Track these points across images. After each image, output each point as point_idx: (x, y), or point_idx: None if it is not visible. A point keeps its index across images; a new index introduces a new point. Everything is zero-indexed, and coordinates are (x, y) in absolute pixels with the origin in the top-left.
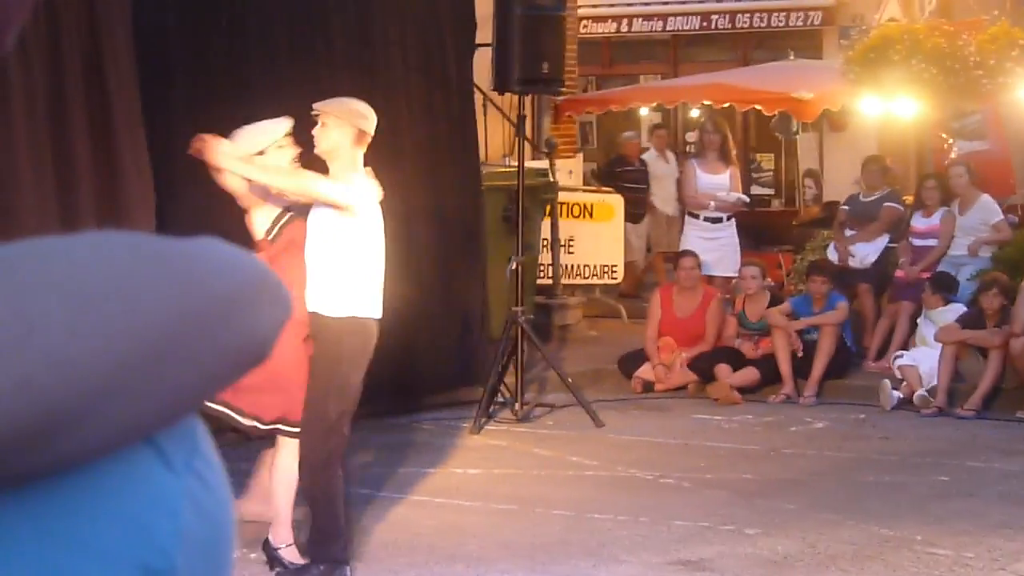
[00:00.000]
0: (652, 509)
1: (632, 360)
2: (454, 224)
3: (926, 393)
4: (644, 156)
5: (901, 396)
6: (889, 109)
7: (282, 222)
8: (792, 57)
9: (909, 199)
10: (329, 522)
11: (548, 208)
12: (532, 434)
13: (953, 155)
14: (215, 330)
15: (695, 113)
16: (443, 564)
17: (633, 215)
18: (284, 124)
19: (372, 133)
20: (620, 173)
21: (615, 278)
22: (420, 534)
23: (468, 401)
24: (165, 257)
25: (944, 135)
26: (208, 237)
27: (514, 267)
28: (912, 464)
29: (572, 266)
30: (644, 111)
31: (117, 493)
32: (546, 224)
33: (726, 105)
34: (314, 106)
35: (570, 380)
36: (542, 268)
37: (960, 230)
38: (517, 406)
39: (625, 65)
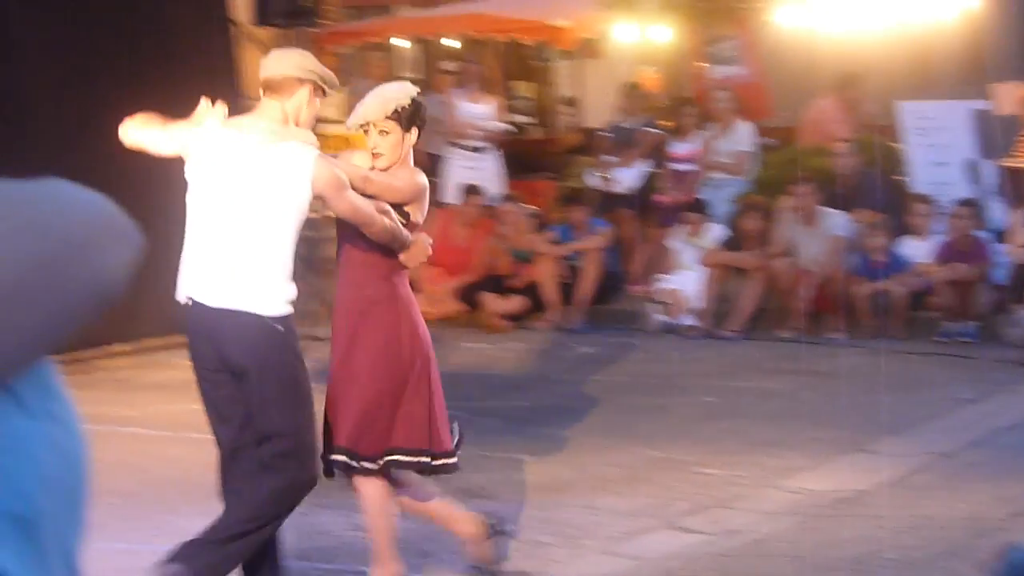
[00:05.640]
0: None
1: None
2: None
3: (690, 316)
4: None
5: (666, 319)
6: (645, 35)
7: None
8: None
9: (668, 124)
10: None
11: None
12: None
13: (710, 79)
14: (63, 271)
15: (453, 43)
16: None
17: None
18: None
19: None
20: None
21: None
22: (196, 472)
23: None
24: (5, 201)
25: (698, 61)
26: (53, 178)
27: None
28: (679, 386)
29: None
30: (401, 42)
31: None
32: None
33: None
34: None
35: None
36: None
37: (719, 154)
38: None
39: None
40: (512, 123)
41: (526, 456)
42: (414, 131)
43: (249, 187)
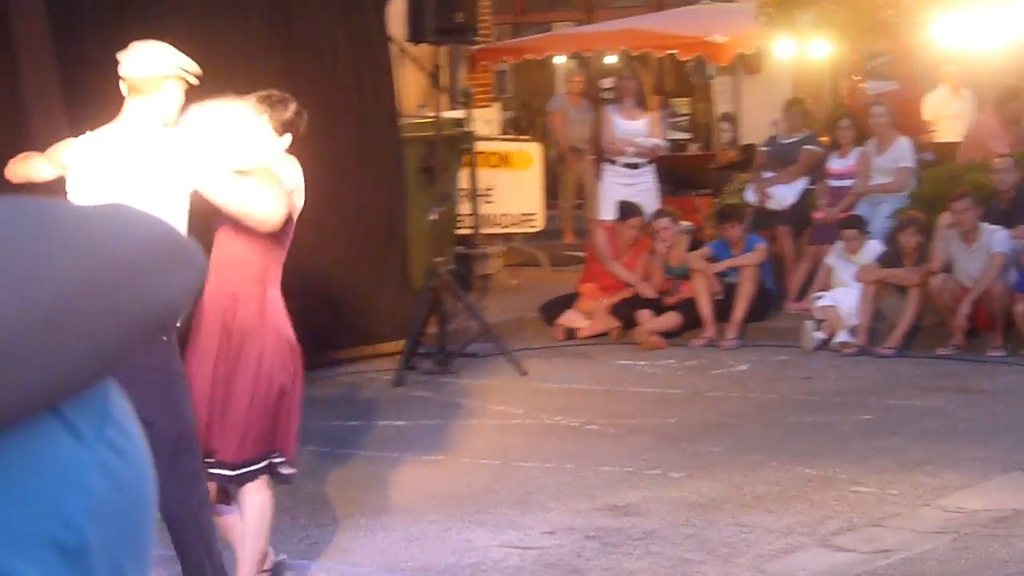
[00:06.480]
0: (578, 456)
1: (554, 307)
2: (374, 176)
3: (847, 333)
4: (552, 101)
5: (822, 336)
6: (803, 50)
7: None
8: (705, 1)
9: (825, 140)
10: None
11: (466, 158)
12: (456, 384)
13: (867, 94)
14: (116, 295)
15: (610, 59)
16: (370, 516)
17: None
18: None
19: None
20: None
21: (534, 226)
22: (347, 487)
23: (391, 353)
24: (59, 222)
25: (856, 76)
26: (114, 201)
27: (434, 218)
28: (834, 403)
29: (491, 215)
30: (560, 59)
31: (23, 469)
32: (464, 174)
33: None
34: None
35: (493, 329)
36: (461, 218)
37: (877, 170)
38: (440, 357)
39: (538, 13)
40: (669, 139)
41: (677, 473)
42: (287, 136)
43: (135, 186)
